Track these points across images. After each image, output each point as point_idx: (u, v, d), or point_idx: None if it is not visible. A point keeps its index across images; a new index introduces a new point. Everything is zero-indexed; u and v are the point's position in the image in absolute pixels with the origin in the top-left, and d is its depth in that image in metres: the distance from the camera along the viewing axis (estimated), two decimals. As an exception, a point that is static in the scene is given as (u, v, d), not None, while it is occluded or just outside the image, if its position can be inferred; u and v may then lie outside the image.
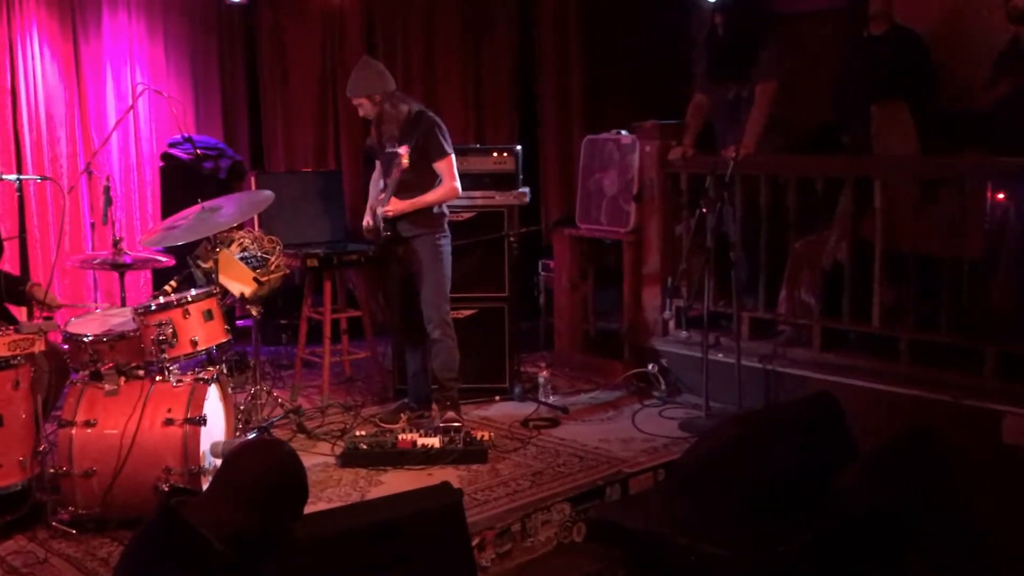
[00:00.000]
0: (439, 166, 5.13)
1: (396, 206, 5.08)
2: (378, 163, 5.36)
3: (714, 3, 5.89)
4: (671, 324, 6.02)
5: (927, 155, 5.48)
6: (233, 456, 2.76)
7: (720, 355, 5.52)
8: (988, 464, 4.48)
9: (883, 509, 4.40)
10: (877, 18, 5.80)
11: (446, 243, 5.24)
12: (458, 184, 5.18)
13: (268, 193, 5.03)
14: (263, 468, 2.61)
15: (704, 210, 5.29)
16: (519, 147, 6.02)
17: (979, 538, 4.26)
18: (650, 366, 5.95)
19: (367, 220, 5.28)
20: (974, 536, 4.26)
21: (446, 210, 5.27)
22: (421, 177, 5.11)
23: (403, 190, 5.08)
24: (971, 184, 4.93)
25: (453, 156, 5.17)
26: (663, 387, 5.86)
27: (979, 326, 4.80)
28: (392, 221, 5.10)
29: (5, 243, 5.00)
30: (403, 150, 4.98)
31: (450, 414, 5.11)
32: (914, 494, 4.42)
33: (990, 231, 4.81)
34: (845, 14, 6.63)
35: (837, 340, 5.39)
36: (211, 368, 4.50)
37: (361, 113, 5.20)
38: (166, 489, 3.95)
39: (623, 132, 6.28)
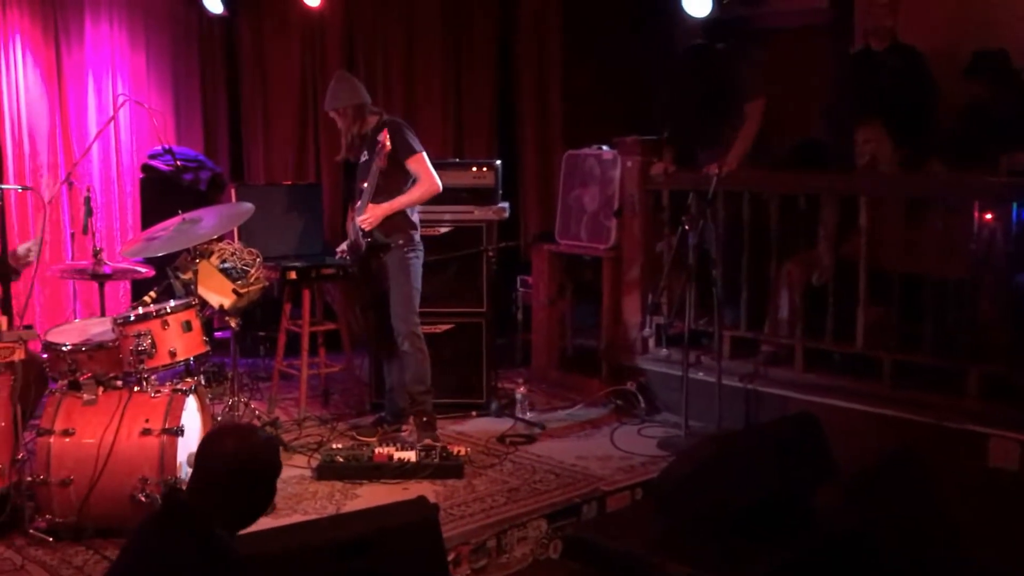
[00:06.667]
0: (412, 165, 5.10)
1: (373, 212, 5.05)
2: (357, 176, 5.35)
3: (702, 22, 5.88)
4: (651, 342, 6.00)
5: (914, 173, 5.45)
6: (207, 440, 2.83)
7: (700, 374, 5.51)
8: (973, 487, 4.45)
9: (862, 531, 4.38)
10: (878, 34, 5.69)
11: (415, 256, 5.21)
12: (438, 179, 5.15)
13: (248, 205, 5.02)
14: (233, 451, 2.69)
15: (686, 227, 5.24)
16: (499, 162, 6.00)
17: (965, 564, 4.23)
18: (629, 384, 5.91)
19: (343, 245, 5.31)
20: (959, 562, 4.23)
21: (418, 223, 5.24)
22: (395, 181, 5.09)
23: (377, 196, 5.07)
24: (957, 203, 4.92)
25: (424, 153, 5.14)
26: (642, 405, 5.82)
27: (963, 347, 4.78)
28: (370, 231, 5.09)
29: None
30: (382, 136, 4.96)
31: (427, 440, 5.04)
32: (895, 516, 4.41)
33: (976, 251, 4.79)
34: (829, 30, 6.62)
35: (819, 360, 5.36)
36: (189, 379, 4.48)
37: (339, 125, 5.22)
38: (143, 499, 3.96)
39: (604, 147, 6.26)
